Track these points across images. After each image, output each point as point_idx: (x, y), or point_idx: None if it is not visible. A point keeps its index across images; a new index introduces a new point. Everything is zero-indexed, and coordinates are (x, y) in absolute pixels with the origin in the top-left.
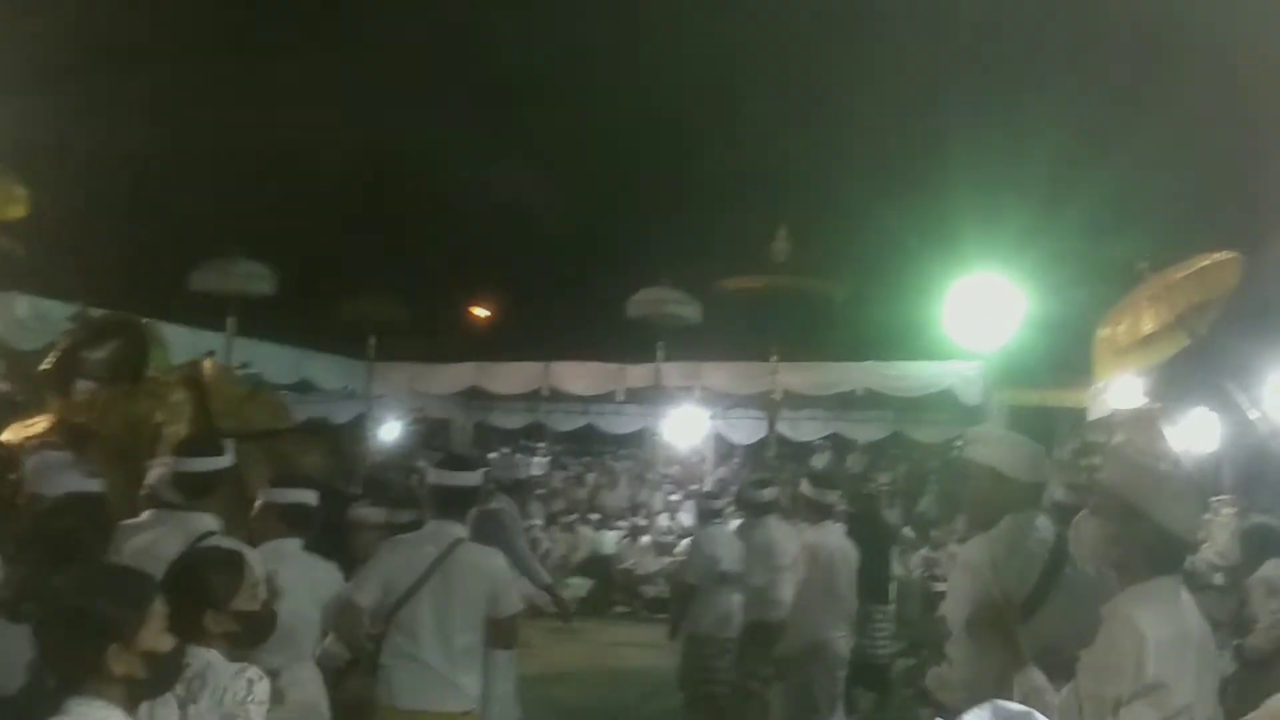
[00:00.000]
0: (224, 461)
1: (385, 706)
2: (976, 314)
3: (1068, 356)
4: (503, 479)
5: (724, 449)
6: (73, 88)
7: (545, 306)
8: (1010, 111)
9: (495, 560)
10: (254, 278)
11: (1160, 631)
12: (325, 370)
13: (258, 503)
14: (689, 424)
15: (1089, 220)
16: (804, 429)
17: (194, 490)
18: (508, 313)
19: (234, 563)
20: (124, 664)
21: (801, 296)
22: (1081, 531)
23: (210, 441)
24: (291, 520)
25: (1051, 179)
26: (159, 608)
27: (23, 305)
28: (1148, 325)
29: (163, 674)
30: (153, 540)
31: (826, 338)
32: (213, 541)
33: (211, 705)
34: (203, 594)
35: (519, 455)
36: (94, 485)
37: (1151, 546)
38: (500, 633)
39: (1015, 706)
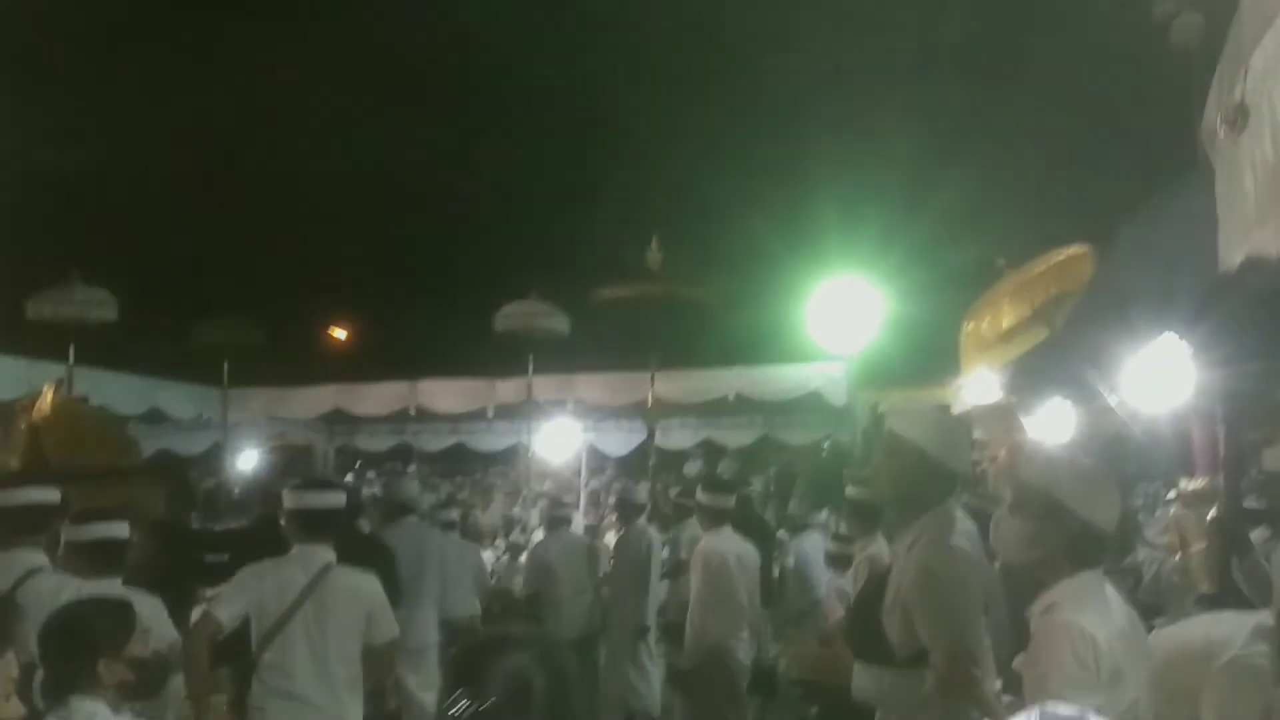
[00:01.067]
0: (52, 495)
1: None
2: (839, 316)
3: (928, 355)
4: (404, 500)
5: (597, 461)
6: None
7: (410, 323)
8: (867, 118)
9: (370, 584)
10: (94, 304)
11: (1103, 629)
12: (177, 398)
13: (61, 540)
14: (562, 438)
15: (945, 222)
16: (676, 436)
17: (18, 526)
18: (370, 331)
19: (122, 610)
20: None
21: (676, 304)
22: (1001, 530)
23: (38, 473)
24: (102, 558)
25: (907, 183)
26: (7, 664)
27: None
28: (1008, 320)
29: None
30: None
31: (697, 345)
32: (40, 578)
33: None
34: (94, 643)
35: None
36: None
37: (1075, 541)
38: (377, 660)
39: (1065, 710)
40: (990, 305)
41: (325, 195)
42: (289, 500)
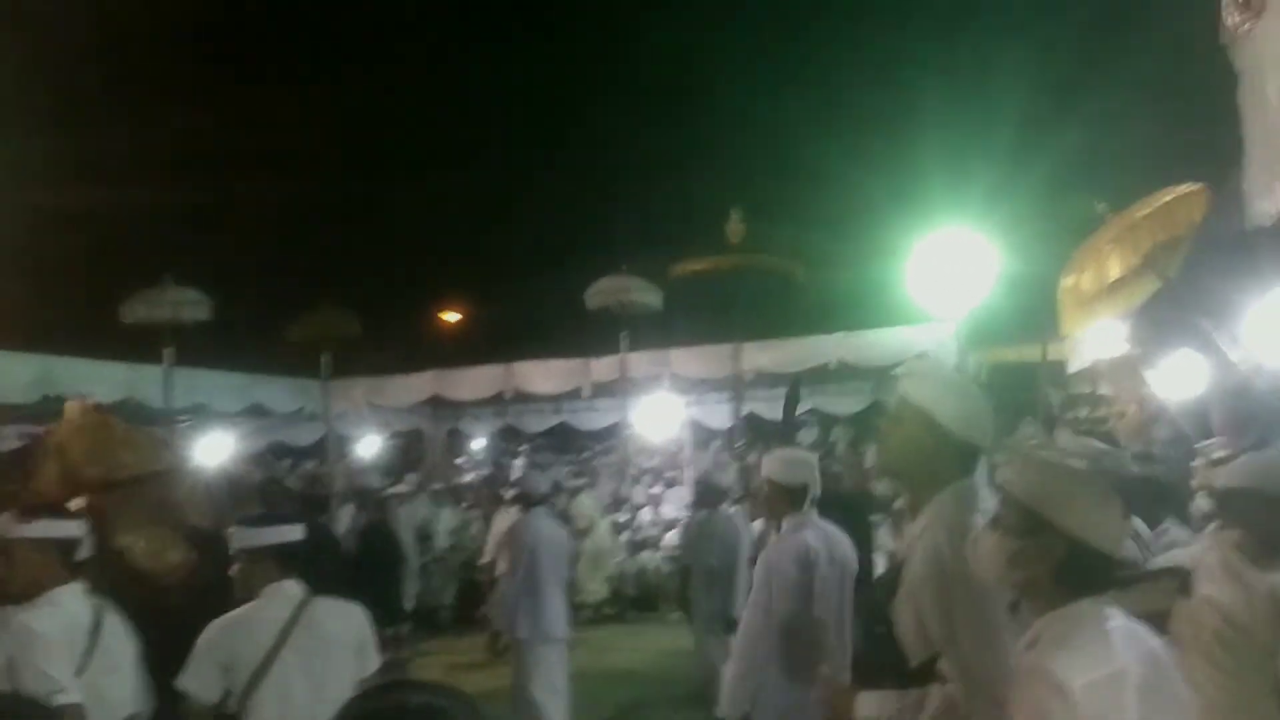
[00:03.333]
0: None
1: None
2: (945, 273)
3: (1042, 310)
4: (533, 493)
5: (701, 435)
6: None
7: (503, 306)
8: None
9: (354, 613)
10: (188, 304)
11: (1085, 674)
12: (277, 393)
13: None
14: (662, 413)
15: (1056, 173)
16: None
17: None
18: (464, 316)
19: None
20: None
21: (759, 275)
22: (979, 548)
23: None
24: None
25: (1018, 133)
26: None
27: None
28: (1114, 270)
29: None
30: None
31: (792, 313)
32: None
33: None
34: None
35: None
36: None
37: (1064, 564)
38: None
39: None
40: (1092, 255)
41: (410, 183)
42: (239, 538)
